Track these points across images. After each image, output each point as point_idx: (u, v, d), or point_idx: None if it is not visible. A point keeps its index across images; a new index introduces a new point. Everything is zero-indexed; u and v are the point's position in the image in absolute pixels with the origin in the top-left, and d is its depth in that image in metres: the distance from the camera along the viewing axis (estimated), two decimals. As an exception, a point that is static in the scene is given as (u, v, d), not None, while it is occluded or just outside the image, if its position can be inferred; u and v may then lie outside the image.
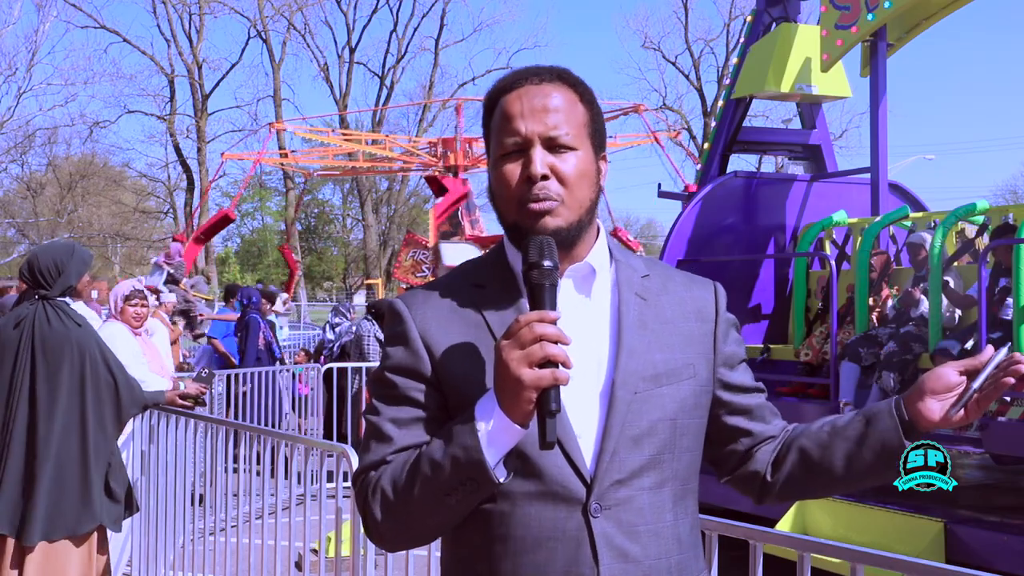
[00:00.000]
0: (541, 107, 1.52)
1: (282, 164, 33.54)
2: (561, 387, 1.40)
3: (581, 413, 1.50)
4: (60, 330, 4.18)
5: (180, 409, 5.05)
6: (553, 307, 1.42)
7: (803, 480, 1.63)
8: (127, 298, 5.57)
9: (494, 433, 1.41)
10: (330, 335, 11.48)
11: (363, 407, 9.39)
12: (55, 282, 4.24)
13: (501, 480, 1.43)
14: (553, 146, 1.51)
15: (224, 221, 23.10)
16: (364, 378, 9.45)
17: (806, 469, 1.62)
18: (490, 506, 1.48)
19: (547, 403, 1.37)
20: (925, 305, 6.27)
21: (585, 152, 1.54)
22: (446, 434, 1.45)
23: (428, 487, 1.44)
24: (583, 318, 1.55)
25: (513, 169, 1.52)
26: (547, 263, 1.43)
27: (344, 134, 31.02)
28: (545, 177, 1.50)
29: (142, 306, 5.65)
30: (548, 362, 1.37)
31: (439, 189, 21.86)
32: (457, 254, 17.11)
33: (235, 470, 5.19)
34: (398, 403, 1.54)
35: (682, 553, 1.53)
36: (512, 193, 1.52)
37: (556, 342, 1.37)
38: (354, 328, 10.45)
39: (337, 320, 11.64)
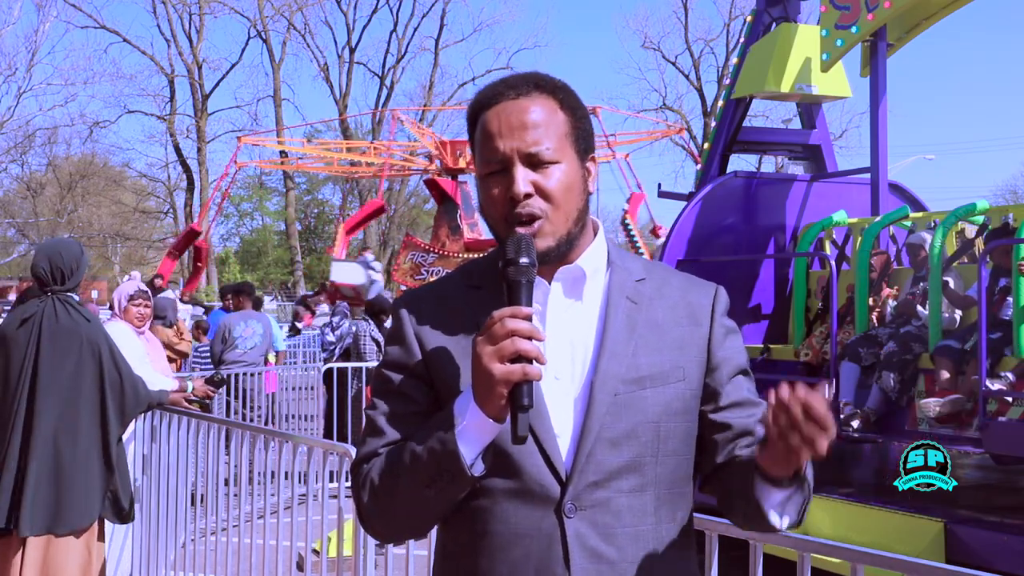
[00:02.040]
0: (519, 124, 1.51)
1: (281, 164, 33.55)
2: (543, 387, 1.42)
3: (561, 413, 1.51)
4: (70, 325, 4.21)
5: (182, 409, 5.06)
6: (529, 303, 1.44)
7: (726, 511, 1.62)
8: (131, 298, 5.58)
9: (470, 427, 1.43)
10: (331, 336, 11.49)
11: (363, 407, 9.41)
12: (71, 278, 4.30)
13: (477, 474, 1.45)
14: (534, 162, 1.51)
15: (191, 235, 23.51)
16: (364, 378, 9.45)
17: (724, 505, 1.62)
18: (472, 502, 1.51)
19: (519, 398, 1.39)
20: (924, 314, 6.28)
21: (569, 163, 1.54)
22: (427, 428, 1.48)
23: (408, 478, 1.48)
24: (571, 321, 1.56)
25: (497, 189, 1.52)
26: (523, 260, 1.44)
27: (333, 144, 30.92)
28: (528, 195, 1.50)
29: (145, 306, 5.66)
30: (520, 357, 1.38)
31: (439, 192, 21.82)
32: (343, 271, 17.18)
33: (233, 467, 5.20)
34: (393, 398, 1.58)
35: (664, 557, 1.52)
36: (498, 212, 1.53)
37: (529, 338, 1.39)
38: (354, 328, 10.47)
39: (338, 321, 11.65)
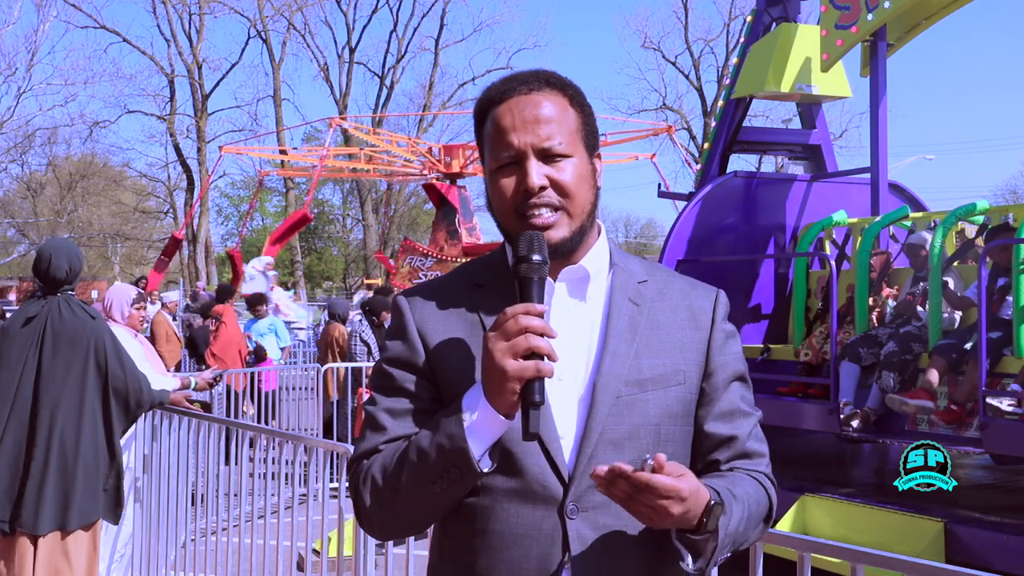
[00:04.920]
0: (532, 118, 1.52)
1: (282, 166, 33.54)
2: (547, 385, 1.42)
3: (564, 415, 1.52)
4: (75, 323, 4.27)
5: (182, 409, 5.07)
6: (540, 300, 1.44)
7: None
8: (132, 303, 5.60)
9: (479, 423, 1.43)
10: None
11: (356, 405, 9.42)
12: (76, 278, 4.38)
13: (485, 470, 1.45)
14: (547, 156, 1.52)
15: (303, 221, 22.94)
16: (366, 379, 9.45)
17: None
18: (472, 500, 1.51)
19: (531, 394, 1.39)
20: (924, 314, 6.28)
21: (580, 157, 1.55)
22: (434, 424, 1.48)
23: (414, 475, 1.47)
24: (575, 321, 1.57)
25: (509, 182, 1.53)
26: (536, 257, 1.45)
27: (410, 140, 30.72)
28: (543, 188, 1.51)
29: (143, 309, 5.69)
30: (533, 354, 1.38)
31: (437, 197, 21.80)
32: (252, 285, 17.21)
33: (235, 464, 5.20)
34: (394, 394, 1.57)
35: (666, 558, 1.52)
36: (509, 206, 1.53)
37: (541, 335, 1.39)
38: (349, 328, 10.48)
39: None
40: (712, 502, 1.41)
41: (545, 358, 1.39)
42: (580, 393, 1.53)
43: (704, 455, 1.60)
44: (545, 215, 1.51)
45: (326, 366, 9.98)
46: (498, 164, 1.54)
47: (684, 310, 1.62)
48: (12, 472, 4.12)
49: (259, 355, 11.37)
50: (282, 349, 12.34)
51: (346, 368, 9.56)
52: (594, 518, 1.48)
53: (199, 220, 40.35)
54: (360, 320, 10.04)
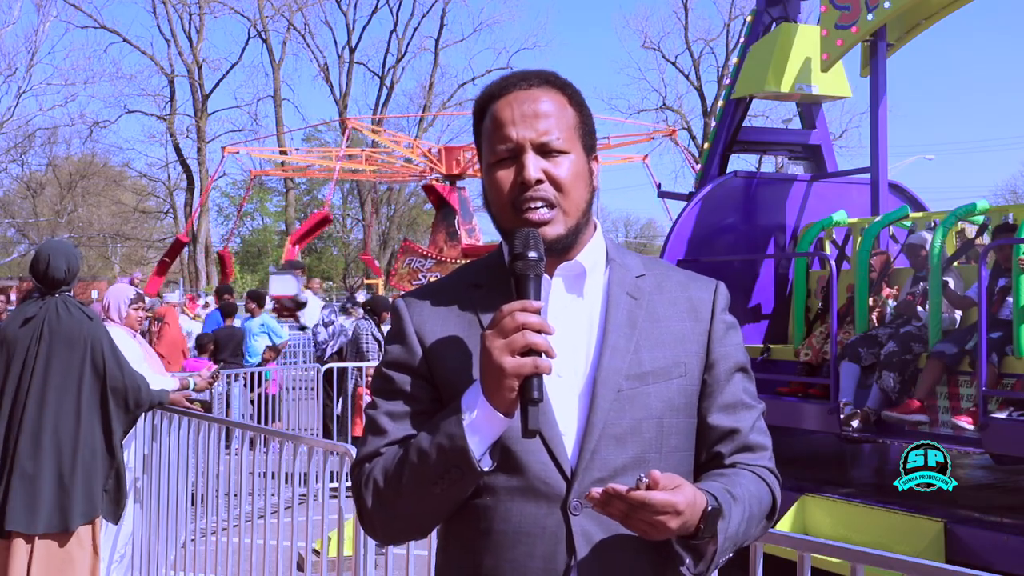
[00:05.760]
0: (532, 112, 1.53)
1: (283, 168, 33.55)
2: (546, 381, 1.42)
3: (565, 410, 1.51)
4: (73, 324, 4.29)
5: (182, 409, 5.07)
6: (537, 298, 1.44)
7: None
8: (131, 303, 5.60)
9: (478, 422, 1.43)
10: (323, 334, 11.47)
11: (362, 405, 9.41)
12: (74, 279, 4.40)
13: (485, 469, 1.45)
14: (545, 151, 1.53)
15: (324, 222, 23.02)
16: (367, 378, 9.44)
17: None
18: (475, 500, 1.51)
19: (529, 391, 1.39)
20: (925, 314, 6.28)
21: (577, 155, 1.56)
22: (434, 424, 1.48)
23: (415, 476, 1.47)
24: (573, 317, 1.57)
25: (506, 175, 1.53)
26: (532, 254, 1.45)
27: (332, 152, 30.85)
28: (539, 181, 1.51)
29: (141, 309, 5.68)
30: (530, 351, 1.38)
31: (437, 198, 21.82)
32: (279, 284, 17.28)
33: (235, 454, 5.19)
34: (394, 397, 1.57)
35: (670, 554, 1.50)
36: (506, 199, 1.53)
37: (539, 331, 1.39)
38: (350, 328, 10.46)
39: (330, 318, 11.63)
40: (709, 508, 1.40)
41: (543, 355, 1.39)
42: (580, 389, 1.53)
43: (708, 447, 1.60)
44: (541, 210, 1.51)
45: (326, 366, 9.97)
46: (496, 158, 1.55)
47: (683, 302, 1.62)
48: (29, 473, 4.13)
49: (275, 351, 11.33)
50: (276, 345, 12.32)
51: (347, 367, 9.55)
52: (598, 514, 1.47)
53: (199, 220, 40.36)
54: (366, 319, 10.04)
